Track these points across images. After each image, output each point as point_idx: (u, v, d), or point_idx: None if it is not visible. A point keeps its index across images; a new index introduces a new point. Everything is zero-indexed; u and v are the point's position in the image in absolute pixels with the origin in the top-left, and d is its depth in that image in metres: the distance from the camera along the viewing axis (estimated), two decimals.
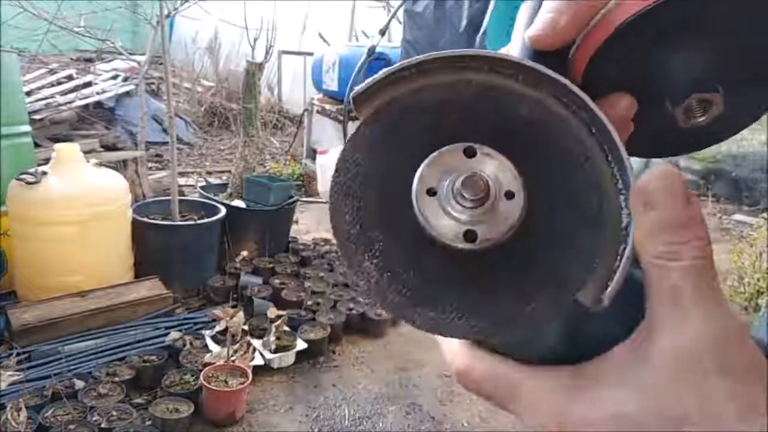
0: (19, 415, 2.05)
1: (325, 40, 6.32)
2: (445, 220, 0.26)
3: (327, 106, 5.28)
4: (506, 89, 0.28)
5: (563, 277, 0.26)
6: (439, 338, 0.31)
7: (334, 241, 0.28)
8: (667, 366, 0.25)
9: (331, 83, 5.27)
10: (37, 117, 5.13)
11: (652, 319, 0.26)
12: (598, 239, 0.26)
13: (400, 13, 5.00)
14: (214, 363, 2.45)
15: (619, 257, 0.26)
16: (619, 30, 0.29)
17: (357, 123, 0.29)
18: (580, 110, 0.27)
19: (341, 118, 4.93)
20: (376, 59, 4.91)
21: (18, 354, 2.46)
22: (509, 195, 0.26)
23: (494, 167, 0.27)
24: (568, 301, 0.26)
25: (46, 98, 5.65)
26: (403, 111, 0.28)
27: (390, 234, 0.27)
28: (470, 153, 0.27)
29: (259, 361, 2.60)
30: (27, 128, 3.26)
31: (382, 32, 5.12)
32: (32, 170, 2.79)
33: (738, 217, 5.71)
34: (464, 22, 4.45)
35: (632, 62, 0.32)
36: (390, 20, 5.25)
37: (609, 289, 0.25)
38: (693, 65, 0.32)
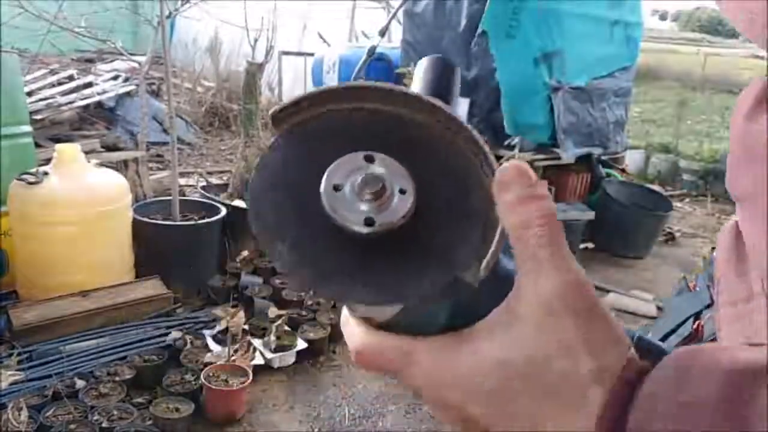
0: (20, 414, 2.05)
1: (325, 41, 6.33)
2: (349, 210, 0.31)
3: None
4: (402, 114, 0.35)
5: (449, 257, 0.32)
6: (344, 326, 0.37)
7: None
8: (531, 315, 0.31)
9: (332, 84, 5.27)
10: (38, 117, 5.14)
11: (518, 281, 0.31)
12: (478, 230, 0.32)
13: (400, 14, 5.01)
14: (214, 363, 2.46)
15: (494, 241, 0.32)
16: None
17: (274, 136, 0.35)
18: (461, 131, 0.34)
19: None
20: (376, 59, 4.91)
21: (19, 353, 2.46)
22: (402, 192, 0.32)
23: (390, 170, 0.33)
24: (453, 276, 0.31)
25: (46, 98, 5.65)
26: (316, 127, 0.35)
27: (302, 223, 0.32)
28: (370, 159, 0.33)
29: (259, 360, 2.61)
30: (28, 128, 3.26)
31: (382, 33, 5.13)
32: (33, 170, 2.80)
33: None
34: (464, 22, 4.46)
35: None
36: (390, 21, 5.25)
37: (484, 262, 0.31)
38: None
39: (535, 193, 0.32)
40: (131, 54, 4.67)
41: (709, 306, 1.96)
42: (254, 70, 3.92)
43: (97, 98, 6.02)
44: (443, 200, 0.33)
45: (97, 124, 5.87)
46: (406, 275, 0.31)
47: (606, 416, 0.29)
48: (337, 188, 0.32)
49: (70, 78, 6.29)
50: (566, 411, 0.30)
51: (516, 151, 4.31)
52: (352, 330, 0.36)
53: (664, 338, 0.75)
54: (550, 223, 0.31)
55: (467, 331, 0.33)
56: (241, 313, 2.70)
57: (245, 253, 3.33)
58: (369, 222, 0.31)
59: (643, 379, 0.30)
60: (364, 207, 0.31)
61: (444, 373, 0.33)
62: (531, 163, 4.37)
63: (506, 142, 4.38)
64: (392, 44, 5.50)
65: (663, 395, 0.29)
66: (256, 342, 2.70)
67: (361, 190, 0.31)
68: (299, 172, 0.33)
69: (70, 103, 5.75)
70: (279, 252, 0.31)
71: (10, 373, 2.33)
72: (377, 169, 0.32)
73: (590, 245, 4.48)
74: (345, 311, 0.37)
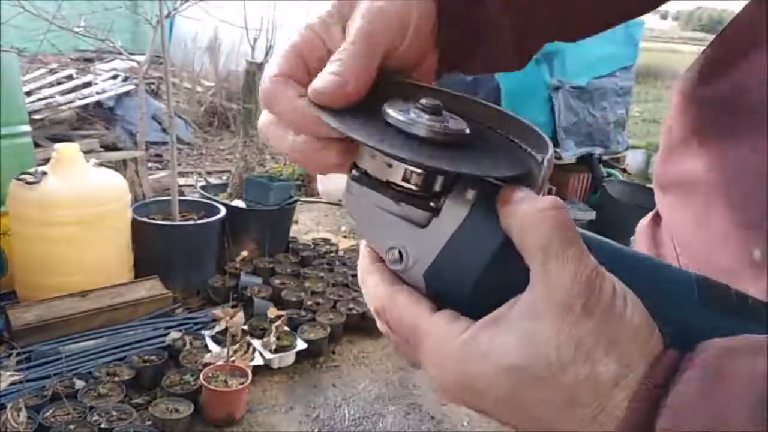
0: (19, 415, 2.04)
1: None
2: (415, 119, 0.35)
3: None
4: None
5: (515, 158, 0.35)
6: (365, 278, 0.37)
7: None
8: (546, 314, 0.29)
9: None
10: (37, 117, 5.13)
11: (532, 275, 0.30)
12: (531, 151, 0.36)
13: None
14: (213, 363, 2.45)
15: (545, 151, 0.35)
16: None
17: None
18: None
19: None
20: None
21: (18, 354, 2.45)
22: (454, 117, 0.37)
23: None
24: (527, 168, 0.34)
25: (46, 98, 5.64)
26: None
27: (379, 133, 0.35)
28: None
29: (259, 361, 2.60)
30: (27, 128, 3.25)
31: None
32: (32, 170, 2.79)
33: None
34: None
35: None
36: None
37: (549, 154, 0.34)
38: None
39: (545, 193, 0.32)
40: (130, 53, 4.66)
41: None
42: (254, 70, 3.91)
43: (96, 98, 6.01)
44: (497, 137, 0.39)
45: (96, 123, 5.86)
46: (485, 163, 0.34)
47: (630, 420, 0.28)
48: (400, 109, 0.36)
49: (69, 77, 6.28)
50: (585, 419, 0.29)
51: None
52: (375, 287, 0.35)
53: None
54: (562, 212, 0.31)
55: (477, 325, 0.31)
56: (241, 314, 2.70)
57: (244, 253, 3.32)
58: (431, 128, 0.35)
59: (678, 374, 0.28)
60: (425, 119, 0.35)
61: (450, 369, 0.32)
62: None
63: None
64: None
65: (691, 399, 0.27)
66: (256, 342, 2.69)
67: (421, 107, 0.35)
68: (367, 104, 0.37)
69: (69, 102, 5.74)
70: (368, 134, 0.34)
71: (9, 373, 2.32)
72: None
73: None
74: (364, 262, 0.37)
